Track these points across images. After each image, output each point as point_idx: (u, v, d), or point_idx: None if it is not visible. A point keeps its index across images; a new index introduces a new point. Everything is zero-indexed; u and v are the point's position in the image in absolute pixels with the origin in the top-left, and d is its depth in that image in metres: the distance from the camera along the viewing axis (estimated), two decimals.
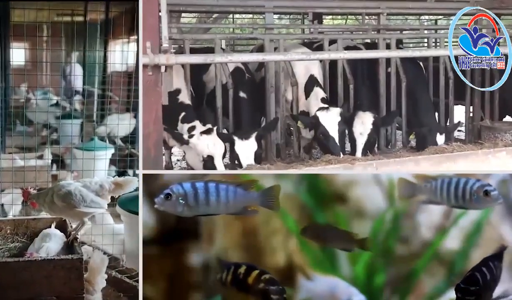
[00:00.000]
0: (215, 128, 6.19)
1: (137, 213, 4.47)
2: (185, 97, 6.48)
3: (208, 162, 6.05)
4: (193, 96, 6.75)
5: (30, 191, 5.07)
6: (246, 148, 6.29)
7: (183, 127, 6.28)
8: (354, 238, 3.87)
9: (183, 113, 6.36)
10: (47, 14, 7.20)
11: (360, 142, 6.70)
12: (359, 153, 6.63)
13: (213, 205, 3.58)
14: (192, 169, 6.41)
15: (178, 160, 9.31)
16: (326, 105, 6.66)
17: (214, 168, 6.04)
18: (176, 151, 8.85)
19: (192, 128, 6.19)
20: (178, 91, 6.35)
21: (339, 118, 6.52)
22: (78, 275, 4.49)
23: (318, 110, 6.59)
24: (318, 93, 6.87)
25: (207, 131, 6.11)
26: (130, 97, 7.24)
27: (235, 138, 6.29)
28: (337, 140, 6.48)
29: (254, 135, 6.33)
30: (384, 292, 4.21)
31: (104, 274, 4.86)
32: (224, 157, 6.22)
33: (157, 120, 4.70)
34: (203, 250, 4.34)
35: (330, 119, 6.49)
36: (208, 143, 6.07)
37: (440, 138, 6.97)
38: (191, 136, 6.10)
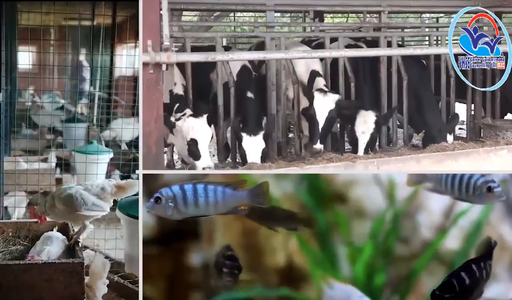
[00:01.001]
0: (205, 115, 6.16)
1: (137, 217, 4.46)
2: (179, 89, 6.52)
3: (192, 146, 6.04)
4: (196, 93, 6.75)
5: (35, 208, 5.08)
6: (254, 144, 6.30)
7: (176, 117, 6.29)
8: (298, 217, 3.94)
9: (177, 104, 6.37)
10: (53, 18, 7.20)
11: (362, 141, 6.70)
12: (361, 152, 6.62)
13: (202, 206, 3.61)
14: (184, 161, 6.42)
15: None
16: (326, 89, 6.66)
17: (198, 153, 6.03)
18: None
19: (183, 115, 6.20)
20: None
21: (332, 106, 6.49)
22: (79, 279, 4.50)
23: (317, 90, 6.59)
24: (319, 82, 6.84)
25: (194, 115, 6.11)
26: (136, 101, 7.26)
27: (243, 134, 6.31)
28: (320, 126, 6.47)
29: (262, 133, 6.35)
30: (384, 292, 4.21)
31: (106, 279, 4.84)
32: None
33: (158, 118, 4.70)
34: (203, 250, 4.34)
35: (323, 104, 6.47)
36: (193, 126, 6.05)
37: (450, 138, 6.97)
38: (178, 119, 6.11)
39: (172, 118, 6.11)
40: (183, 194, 3.58)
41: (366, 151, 6.63)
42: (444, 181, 3.82)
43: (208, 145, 6.15)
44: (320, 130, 6.45)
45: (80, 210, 4.82)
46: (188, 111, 6.21)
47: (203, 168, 6.04)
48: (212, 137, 6.24)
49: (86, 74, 11.08)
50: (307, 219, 3.95)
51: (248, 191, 3.65)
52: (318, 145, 6.42)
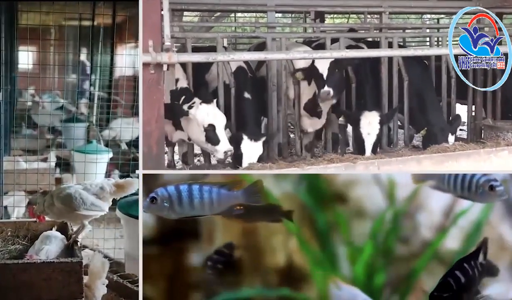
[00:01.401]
0: (214, 100, 6.23)
1: (137, 217, 4.46)
2: (183, 83, 6.53)
3: (210, 132, 6.07)
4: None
5: (34, 207, 5.07)
6: (253, 149, 6.31)
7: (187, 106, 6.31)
8: (280, 210, 3.96)
9: (183, 97, 6.37)
10: (54, 18, 7.20)
11: (369, 143, 6.68)
12: (368, 153, 6.61)
13: (197, 207, 3.64)
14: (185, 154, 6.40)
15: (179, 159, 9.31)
16: None
17: (217, 138, 6.07)
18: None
19: (193, 103, 6.22)
20: (176, 81, 6.37)
21: (331, 58, 6.51)
22: (77, 278, 4.49)
23: None
24: None
25: (206, 101, 6.13)
26: (136, 101, 7.27)
27: (244, 137, 6.32)
28: (325, 76, 6.47)
29: (263, 139, 6.36)
30: (384, 292, 4.21)
31: (105, 279, 4.83)
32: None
33: (159, 118, 4.71)
34: (203, 250, 4.34)
35: (323, 60, 6.51)
36: (208, 112, 6.08)
37: (451, 139, 6.97)
38: (190, 107, 6.13)
39: (185, 107, 6.13)
40: (178, 194, 3.62)
41: (373, 152, 6.63)
42: (446, 179, 3.84)
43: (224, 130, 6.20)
44: (325, 78, 6.47)
45: (79, 210, 4.81)
46: (197, 99, 6.22)
47: (224, 152, 6.11)
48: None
49: (87, 74, 11.09)
50: (289, 212, 3.94)
51: (242, 190, 3.68)
52: (326, 88, 6.43)
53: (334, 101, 6.73)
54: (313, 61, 6.57)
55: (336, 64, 6.52)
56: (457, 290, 3.42)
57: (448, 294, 3.40)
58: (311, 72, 6.63)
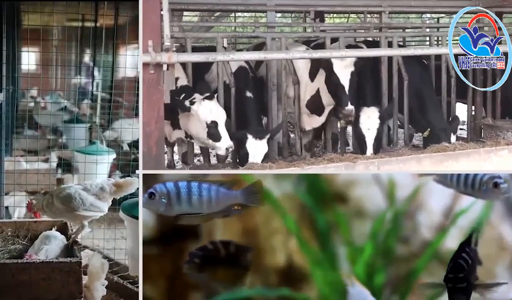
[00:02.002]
0: (215, 95, 6.24)
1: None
2: (183, 81, 6.54)
3: (212, 128, 6.09)
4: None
5: (33, 202, 5.07)
6: (258, 148, 6.31)
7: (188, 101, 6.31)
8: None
9: (183, 94, 6.38)
10: (56, 18, 7.20)
11: (370, 137, 6.68)
12: (370, 149, 6.61)
13: (196, 204, 3.62)
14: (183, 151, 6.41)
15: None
16: None
17: (218, 134, 6.08)
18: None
19: (193, 99, 6.23)
20: (176, 79, 6.37)
21: (353, 68, 6.49)
22: (77, 278, 4.50)
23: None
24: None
25: (209, 97, 6.14)
26: (137, 101, 7.27)
27: (249, 136, 6.32)
28: (347, 89, 6.46)
29: (267, 137, 6.36)
30: (384, 292, 4.21)
31: (104, 280, 4.83)
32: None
33: (159, 118, 4.71)
34: None
35: (343, 68, 6.49)
36: (211, 109, 6.08)
37: (453, 138, 6.97)
38: (192, 103, 6.14)
39: (187, 102, 6.12)
40: (176, 191, 3.60)
41: (376, 150, 6.61)
42: (450, 174, 3.84)
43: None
44: (347, 92, 6.45)
45: (78, 210, 4.82)
46: (198, 96, 6.22)
47: (226, 148, 6.13)
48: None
49: (89, 74, 11.09)
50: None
51: (241, 190, 3.67)
52: (350, 106, 6.42)
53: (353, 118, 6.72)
54: (331, 66, 6.55)
55: (356, 73, 6.52)
56: (468, 270, 3.55)
57: (463, 274, 3.52)
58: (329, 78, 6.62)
